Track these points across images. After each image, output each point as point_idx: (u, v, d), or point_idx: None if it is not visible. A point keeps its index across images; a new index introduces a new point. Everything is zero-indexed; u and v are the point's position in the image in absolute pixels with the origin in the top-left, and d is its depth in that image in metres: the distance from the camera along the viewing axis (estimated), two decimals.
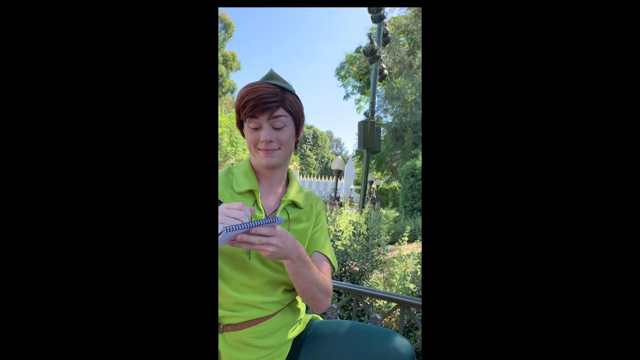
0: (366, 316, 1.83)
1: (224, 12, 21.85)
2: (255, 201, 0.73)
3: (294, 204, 0.78)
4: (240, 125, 0.76)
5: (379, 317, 1.27)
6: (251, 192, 0.74)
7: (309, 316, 0.87)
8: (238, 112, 0.73)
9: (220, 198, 0.71)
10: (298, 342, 0.79)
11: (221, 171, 0.78)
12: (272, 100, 0.69)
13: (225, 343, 0.70)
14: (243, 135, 0.76)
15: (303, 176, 25.40)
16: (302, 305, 0.84)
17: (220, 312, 0.70)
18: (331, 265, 0.82)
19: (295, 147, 0.81)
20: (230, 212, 0.55)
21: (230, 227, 0.52)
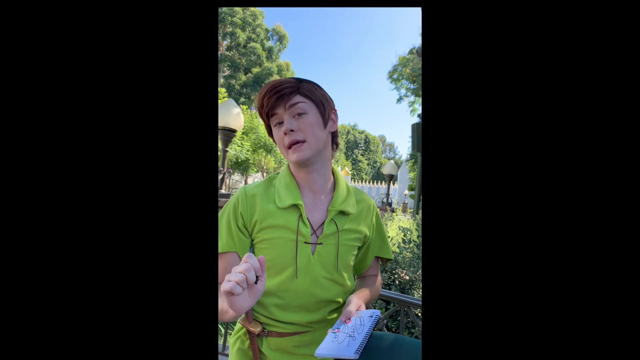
0: (416, 328, 1.73)
1: (279, 24, 22.81)
2: (300, 215, 0.69)
3: (342, 212, 0.72)
4: (269, 131, 0.73)
5: None
6: (295, 206, 0.69)
7: None
8: (264, 117, 0.70)
9: (263, 216, 0.69)
10: None
11: (261, 183, 0.74)
12: (285, 87, 0.66)
13: (269, 347, 0.70)
14: (274, 141, 0.72)
15: (355, 181, 25.25)
16: None
17: (265, 320, 0.70)
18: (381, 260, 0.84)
19: (334, 141, 0.75)
20: (235, 269, 0.50)
21: (359, 338, 0.59)
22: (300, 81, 0.68)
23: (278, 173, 0.76)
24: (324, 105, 0.69)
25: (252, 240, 0.71)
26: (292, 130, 0.66)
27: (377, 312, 0.64)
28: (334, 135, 0.74)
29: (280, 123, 0.68)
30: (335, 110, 0.74)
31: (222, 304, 0.55)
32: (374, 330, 0.63)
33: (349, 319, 0.64)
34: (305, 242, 0.68)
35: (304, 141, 0.67)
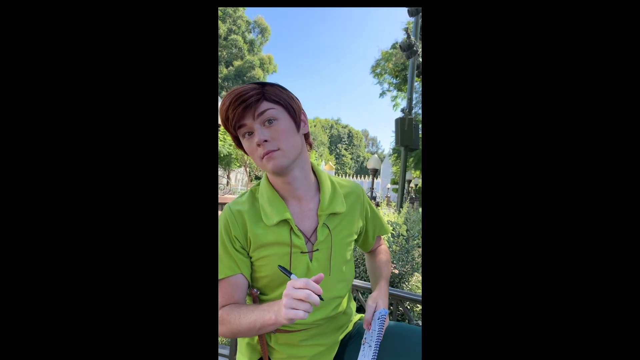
0: (407, 321, 1.76)
1: (260, 16, 22.43)
2: (291, 228, 0.67)
3: (332, 214, 0.71)
4: (238, 142, 0.68)
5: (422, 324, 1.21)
6: (284, 220, 0.67)
7: (358, 316, 0.87)
8: (231, 129, 0.65)
9: (254, 236, 0.67)
10: (344, 341, 0.80)
11: (245, 199, 0.71)
12: (250, 94, 0.61)
13: (277, 342, 0.72)
14: (246, 152, 0.68)
15: (338, 175, 25.45)
16: (352, 308, 0.84)
17: None
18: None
19: (307, 141, 0.71)
20: (296, 293, 0.53)
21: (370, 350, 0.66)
22: (263, 85, 0.64)
23: (259, 184, 0.73)
24: (293, 108, 0.65)
25: (251, 258, 0.70)
26: (265, 141, 0.62)
27: (383, 313, 0.68)
28: (307, 137, 0.72)
29: (251, 133, 0.64)
30: (304, 111, 0.70)
31: (266, 316, 0.58)
32: (384, 328, 0.69)
33: (369, 324, 0.69)
34: (301, 252, 0.68)
35: (277, 149, 0.63)
